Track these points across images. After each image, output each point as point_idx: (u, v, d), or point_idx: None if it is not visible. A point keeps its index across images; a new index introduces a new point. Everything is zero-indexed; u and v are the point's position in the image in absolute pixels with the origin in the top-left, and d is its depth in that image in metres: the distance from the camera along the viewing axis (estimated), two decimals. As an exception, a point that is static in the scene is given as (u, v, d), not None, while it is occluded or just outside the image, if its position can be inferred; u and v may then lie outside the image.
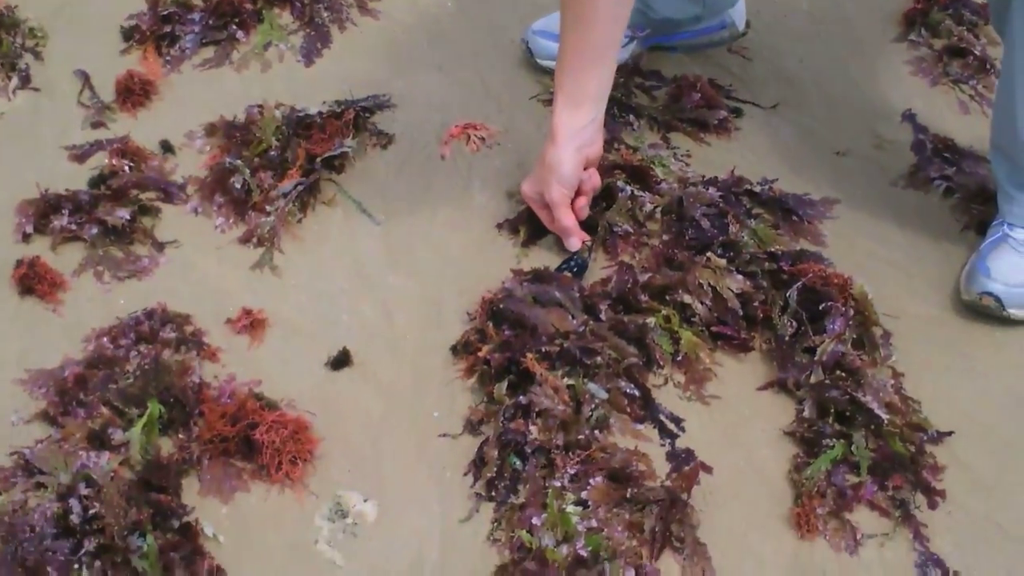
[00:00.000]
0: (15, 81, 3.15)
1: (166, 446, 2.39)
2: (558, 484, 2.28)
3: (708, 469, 2.35)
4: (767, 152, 2.96)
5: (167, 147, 2.96)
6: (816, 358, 2.45)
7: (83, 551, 2.18)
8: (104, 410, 2.40)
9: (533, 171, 2.62)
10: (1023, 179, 2.58)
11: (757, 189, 2.80)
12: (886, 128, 3.01)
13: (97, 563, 2.17)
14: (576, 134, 2.54)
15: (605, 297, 2.57)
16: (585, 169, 2.60)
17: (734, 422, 2.45)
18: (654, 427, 2.42)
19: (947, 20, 3.25)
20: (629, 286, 2.57)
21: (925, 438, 2.38)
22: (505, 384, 2.41)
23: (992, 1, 2.49)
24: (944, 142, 2.93)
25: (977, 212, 2.79)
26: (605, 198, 2.75)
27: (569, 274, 2.62)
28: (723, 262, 2.58)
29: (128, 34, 3.26)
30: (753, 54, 3.21)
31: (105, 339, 2.55)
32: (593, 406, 2.39)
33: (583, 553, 2.19)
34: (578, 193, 2.63)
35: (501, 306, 2.52)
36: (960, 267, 2.68)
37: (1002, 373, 2.53)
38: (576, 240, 2.64)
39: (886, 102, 3.07)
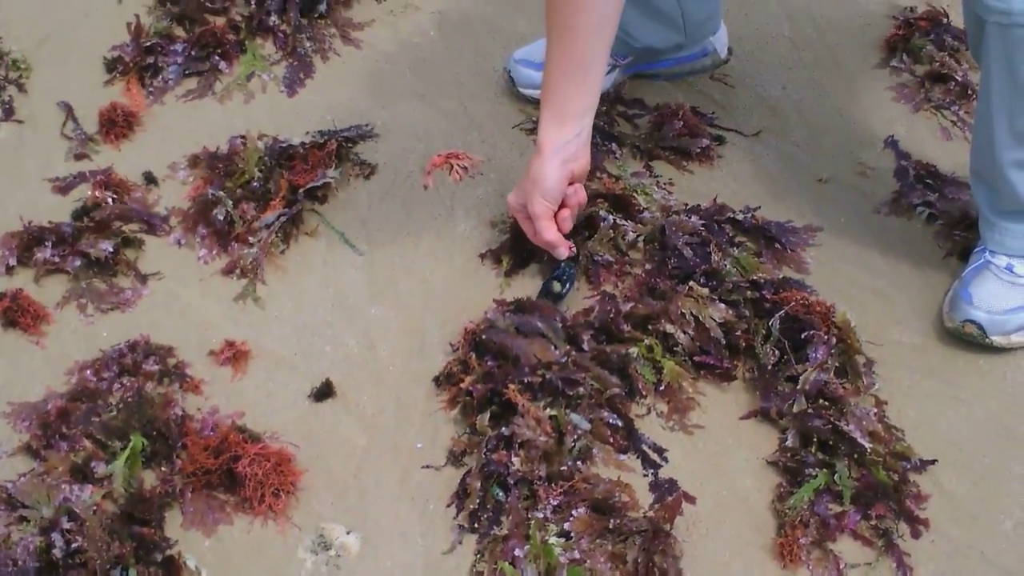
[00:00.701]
0: (-1, 113, 3.16)
1: (149, 479, 2.39)
2: (541, 515, 2.28)
3: (691, 499, 2.35)
4: (750, 180, 2.96)
5: (150, 178, 2.97)
6: (799, 387, 2.45)
7: (66, 586, 2.18)
8: (87, 443, 2.40)
9: (520, 183, 2.61)
10: (1003, 206, 2.59)
11: (740, 217, 2.80)
12: (869, 155, 3.01)
13: (80, 598, 2.18)
14: (561, 148, 2.53)
15: (588, 327, 2.57)
16: (571, 184, 2.59)
17: (717, 452, 2.45)
18: (637, 457, 2.42)
19: (929, 46, 3.25)
20: (612, 316, 2.58)
21: (908, 466, 2.39)
22: (488, 415, 2.41)
23: (969, 28, 2.50)
24: (927, 168, 2.94)
25: (960, 239, 2.79)
26: (587, 228, 2.75)
27: (559, 285, 2.65)
28: (706, 291, 2.59)
29: (111, 65, 3.26)
30: (735, 81, 3.21)
31: (88, 372, 2.54)
32: (576, 437, 2.39)
33: (566, 584, 2.20)
34: (562, 206, 2.62)
35: (483, 337, 2.52)
36: (943, 294, 2.68)
37: (985, 400, 2.53)
38: (563, 250, 2.63)
39: (868, 128, 3.08)
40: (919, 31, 3.30)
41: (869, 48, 3.32)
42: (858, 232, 2.84)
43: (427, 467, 2.42)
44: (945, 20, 3.32)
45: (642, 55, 3.11)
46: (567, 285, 2.66)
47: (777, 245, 2.77)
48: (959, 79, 3.16)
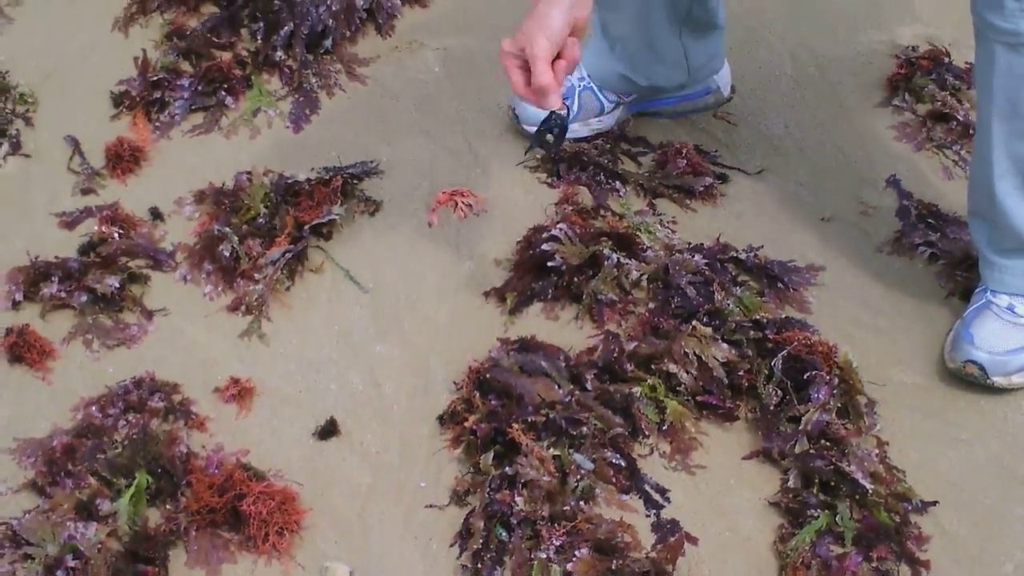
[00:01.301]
0: (5, 147, 3.17)
1: (153, 517, 2.40)
2: (544, 556, 2.29)
3: (693, 540, 2.36)
4: (753, 218, 2.97)
5: (156, 214, 2.98)
6: (801, 427, 2.46)
7: (71, 624, 2.19)
8: (92, 480, 2.42)
9: (518, 27, 2.51)
10: (1002, 243, 2.60)
11: (743, 256, 2.81)
12: (871, 194, 3.02)
13: (84, 637, 2.19)
14: None
15: (591, 366, 2.58)
16: (571, 36, 2.52)
17: (719, 492, 2.46)
18: (640, 497, 2.43)
19: (931, 85, 3.27)
20: (615, 355, 2.59)
21: (910, 508, 2.40)
22: (491, 454, 2.42)
23: (977, 62, 2.51)
24: (928, 208, 2.95)
25: (961, 279, 2.80)
26: (592, 266, 2.76)
27: (551, 135, 2.55)
28: (709, 331, 2.60)
29: (118, 100, 3.28)
30: (738, 119, 3.23)
31: (94, 408, 2.56)
32: (579, 477, 2.40)
33: (569, 626, 2.21)
34: (558, 57, 2.55)
35: (487, 375, 2.54)
36: (945, 334, 2.69)
37: (986, 441, 2.54)
38: (556, 98, 2.52)
39: (871, 167, 3.09)
40: (921, 70, 3.31)
41: (871, 87, 3.33)
42: (860, 271, 2.86)
43: (431, 506, 2.43)
44: (947, 59, 3.33)
45: (646, 93, 3.13)
46: (558, 135, 2.57)
47: (780, 284, 2.78)
48: (960, 118, 3.17)
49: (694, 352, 2.57)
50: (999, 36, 2.36)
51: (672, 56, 3.05)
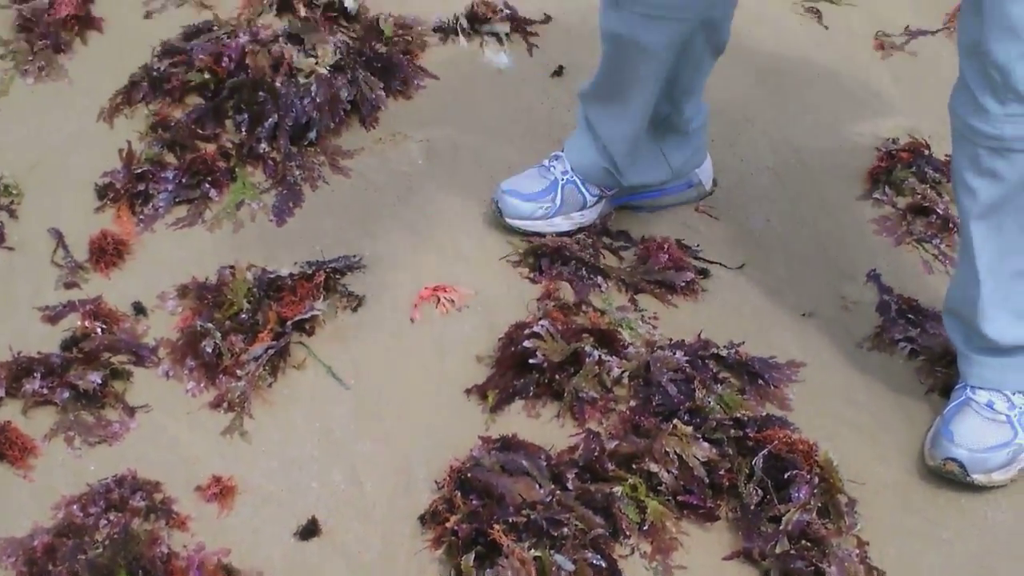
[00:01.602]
0: (-10, 240, 3.18)
1: (135, 619, 2.39)
2: (525, 660, 2.29)
3: (675, 641, 2.36)
4: (734, 314, 2.99)
5: (139, 309, 2.98)
6: (781, 527, 2.47)
7: None
8: (73, 582, 2.41)
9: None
10: (979, 342, 2.62)
11: (724, 353, 2.83)
12: (851, 288, 3.04)
13: None
14: None
15: (572, 465, 2.59)
16: None
17: (700, 593, 2.46)
18: (620, 599, 2.44)
19: (910, 178, 3.29)
20: (596, 454, 2.59)
21: (890, 610, 2.40)
22: (472, 556, 2.42)
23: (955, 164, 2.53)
24: (908, 302, 2.97)
25: (941, 375, 2.82)
26: (573, 363, 2.77)
27: None
28: (689, 429, 2.61)
29: (102, 192, 3.28)
30: (720, 213, 3.25)
31: (75, 507, 2.55)
32: (560, 578, 2.40)
33: None
34: None
35: (469, 475, 2.54)
36: (925, 431, 2.70)
37: (966, 540, 2.55)
38: None
39: (851, 261, 3.11)
40: (901, 163, 3.34)
41: (852, 179, 3.36)
42: (841, 367, 2.87)
43: (412, 608, 2.43)
44: (927, 152, 3.36)
45: (629, 187, 3.14)
46: None
47: (760, 381, 2.79)
48: (940, 212, 3.20)
49: (675, 451, 2.57)
50: (982, 141, 2.38)
51: (653, 157, 3.07)
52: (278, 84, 3.46)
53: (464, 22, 3.85)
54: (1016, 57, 2.30)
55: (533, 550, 2.42)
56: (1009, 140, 2.37)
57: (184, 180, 3.30)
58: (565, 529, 2.45)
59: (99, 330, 2.91)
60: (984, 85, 2.36)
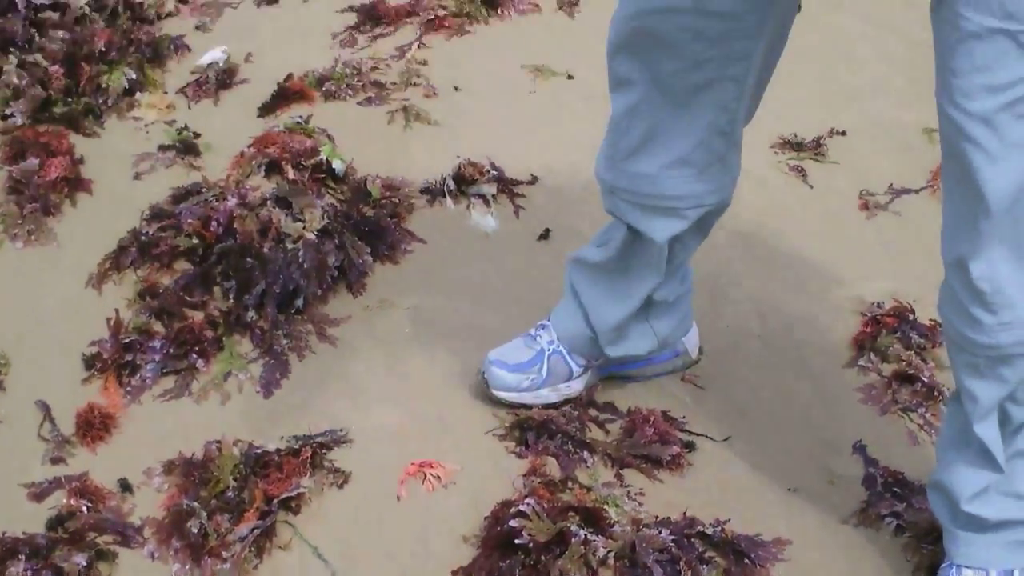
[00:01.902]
0: (-23, 416, 3.18)
1: None
2: None
3: None
4: (720, 489, 2.99)
5: (125, 486, 2.98)
6: None
7: None
8: None
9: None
10: (967, 518, 2.61)
11: (710, 531, 2.82)
12: (837, 461, 3.04)
13: None
14: None
15: (559, 653, 2.58)
16: None
17: None
18: None
19: (895, 344, 3.31)
20: (582, 641, 2.59)
21: None
22: None
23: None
24: (895, 476, 2.97)
25: (927, 552, 2.81)
26: (559, 544, 2.76)
27: None
28: (676, 614, 2.61)
29: (90, 362, 3.29)
30: (706, 382, 3.25)
31: None
32: None
33: None
34: None
35: (455, 663, 2.54)
36: (912, 611, 2.70)
37: None
38: None
39: (837, 432, 3.11)
40: (886, 328, 3.35)
41: (837, 346, 3.37)
42: (827, 544, 2.86)
43: None
44: (911, 316, 3.38)
45: (616, 358, 3.15)
46: None
47: (747, 560, 2.79)
48: (925, 380, 3.21)
49: (661, 638, 2.57)
50: (981, 351, 2.38)
51: (639, 331, 3.08)
52: (266, 250, 3.48)
53: (451, 183, 3.87)
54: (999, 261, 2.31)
55: None
56: (1007, 347, 2.37)
57: (171, 350, 3.31)
58: None
59: (85, 508, 2.91)
60: (972, 297, 2.35)
